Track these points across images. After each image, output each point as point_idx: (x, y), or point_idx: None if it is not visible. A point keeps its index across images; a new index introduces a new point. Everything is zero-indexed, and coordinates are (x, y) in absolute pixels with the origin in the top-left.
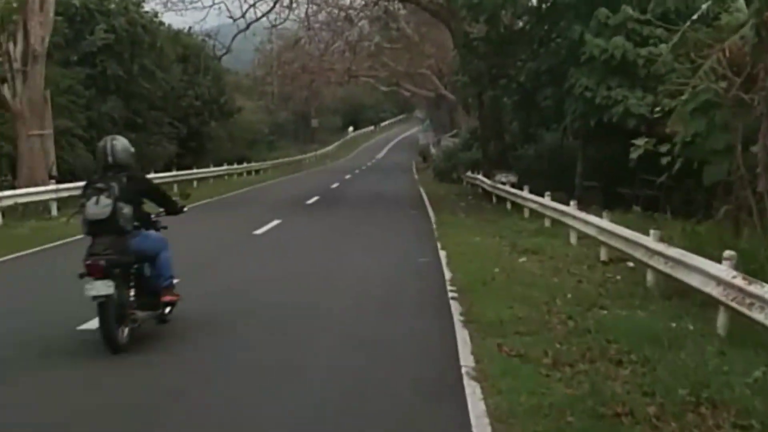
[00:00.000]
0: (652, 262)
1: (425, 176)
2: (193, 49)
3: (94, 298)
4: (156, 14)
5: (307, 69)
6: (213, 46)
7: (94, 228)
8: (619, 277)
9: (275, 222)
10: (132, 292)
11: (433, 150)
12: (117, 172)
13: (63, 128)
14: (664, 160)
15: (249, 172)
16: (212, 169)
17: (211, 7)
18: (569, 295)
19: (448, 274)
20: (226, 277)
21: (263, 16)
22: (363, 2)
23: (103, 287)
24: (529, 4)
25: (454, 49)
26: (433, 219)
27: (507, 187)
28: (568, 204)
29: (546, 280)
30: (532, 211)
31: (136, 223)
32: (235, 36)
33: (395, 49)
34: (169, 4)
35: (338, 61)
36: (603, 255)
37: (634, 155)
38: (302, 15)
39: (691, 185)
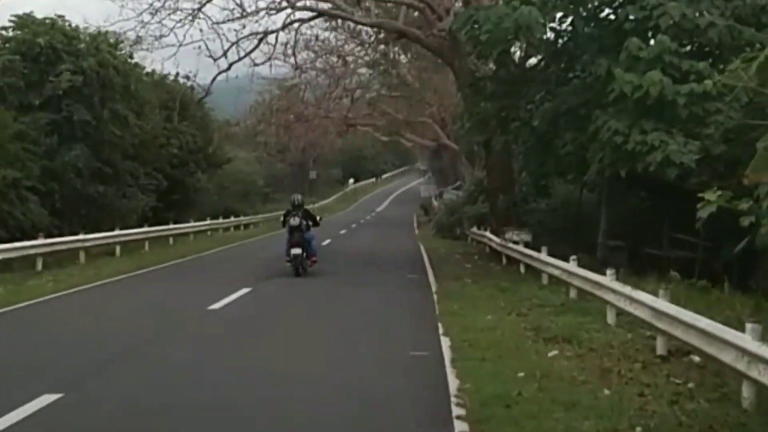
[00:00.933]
0: (752, 372)
1: (426, 231)
2: (178, 95)
3: (295, 256)
4: (130, 55)
5: (302, 117)
6: (192, 88)
7: (291, 230)
8: (692, 385)
9: (242, 291)
10: (305, 255)
11: (435, 203)
12: (299, 208)
13: (11, 180)
14: (746, 221)
15: (237, 227)
16: (192, 224)
17: (181, 45)
18: (638, 430)
19: (453, 384)
20: (122, 393)
21: (246, 55)
22: (361, 49)
23: (298, 251)
24: (545, 37)
25: (459, 91)
26: (434, 287)
27: (520, 247)
28: (597, 270)
29: (594, 394)
30: (551, 277)
31: (306, 225)
32: (216, 77)
33: (395, 96)
34: (139, 42)
35: (335, 109)
36: (660, 347)
37: (703, 213)
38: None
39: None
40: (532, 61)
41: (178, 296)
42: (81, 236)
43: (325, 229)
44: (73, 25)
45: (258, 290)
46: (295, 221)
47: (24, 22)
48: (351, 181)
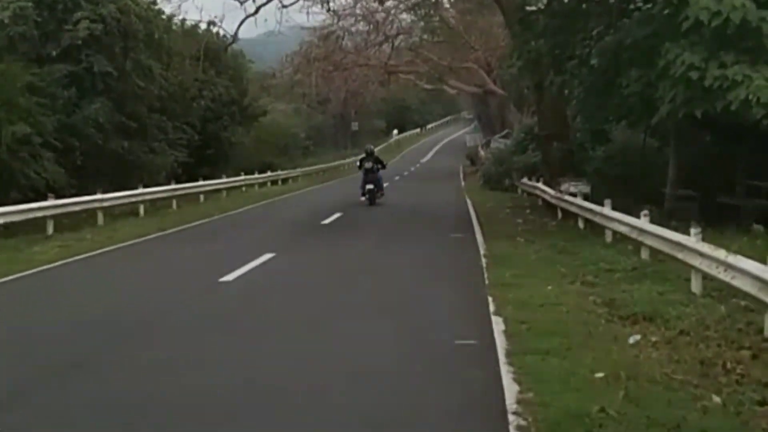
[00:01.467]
0: None
1: (473, 182)
2: (211, 46)
3: (369, 190)
4: (153, 1)
5: (341, 66)
6: (217, 34)
7: (366, 171)
8: None
9: (264, 257)
10: (375, 189)
11: (481, 152)
12: (371, 155)
13: (21, 135)
14: None
15: (275, 182)
16: (224, 180)
17: None
18: None
19: (510, 392)
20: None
21: None
22: None
23: (371, 186)
24: None
25: (506, 28)
26: (482, 249)
27: (578, 200)
28: (665, 224)
29: (701, 405)
30: (615, 233)
31: (377, 168)
32: (242, 22)
33: (438, 42)
34: None
35: (375, 56)
36: None
37: None
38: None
39: None
40: None
41: (190, 265)
42: (98, 195)
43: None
44: None
45: (283, 255)
46: (368, 165)
47: None
48: (395, 132)
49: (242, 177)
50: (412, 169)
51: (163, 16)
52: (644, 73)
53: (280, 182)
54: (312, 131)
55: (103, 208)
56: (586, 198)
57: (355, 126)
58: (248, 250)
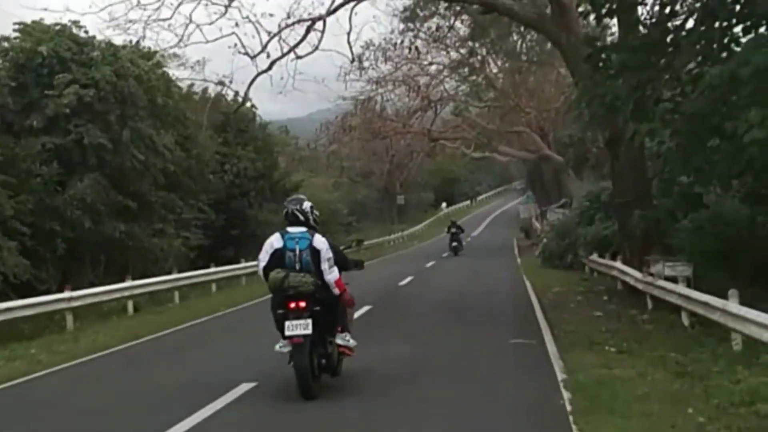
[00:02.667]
0: None
1: (529, 258)
2: (235, 115)
3: (455, 247)
4: (157, 62)
5: (380, 134)
6: (227, 94)
7: (453, 234)
8: None
9: (240, 390)
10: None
11: (536, 224)
12: (455, 224)
13: None
14: None
15: None
16: (242, 265)
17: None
18: None
19: None
20: None
21: (291, 50)
22: (444, 52)
23: (455, 244)
24: None
25: (560, 87)
26: (558, 370)
27: (680, 287)
28: None
29: None
30: (747, 339)
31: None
32: (255, 78)
33: (485, 106)
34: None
35: (417, 123)
36: None
37: None
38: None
39: None
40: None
41: (117, 413)
42: (65, 294)
43: (411, 261)
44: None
45: (264, 387)
46: (454, 230)
47: (29, 29)
48: (444, 204)
49: None
50: (463, 243)
51: (179, 84)
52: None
53: None
54: (355, 206)
55: (71, 309)
56: (688, 283)
57: (400, 200)
58: (227, 373)
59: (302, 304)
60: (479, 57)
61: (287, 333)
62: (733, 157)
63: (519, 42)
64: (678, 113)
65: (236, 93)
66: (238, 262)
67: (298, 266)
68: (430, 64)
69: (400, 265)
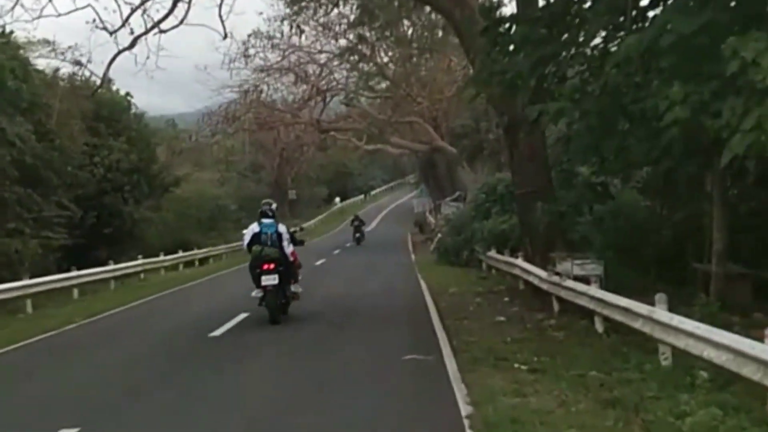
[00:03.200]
0: None
1: (424, 254)
2: (107, 105)
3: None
4: (7, 41)
5: (266, 124)
6: (81, 75)
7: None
8: None
9: None
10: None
11: (430, 219)
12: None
13: None
14: None
15: (190, 263)
16: (111, 267)
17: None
18: None
19: None
20: None
21: (155, 25)
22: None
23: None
24: None
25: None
26: (461, 400)
27: (592, 289)
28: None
29: None
30: (676, 351)
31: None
32: (115, 57)
33: (375, 96)
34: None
35: (306, 113)
36: None
37: None
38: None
39: None
40: None
41: None
42: None
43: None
44: None
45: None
46: (357, 222)
47: None
48: (337, 199)
49: (139, 261)
50: (365, 234)
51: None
52: (697, 90)
53: (197, 263)
54: (244, 201)
55: None
56: (600, 283)
57: (292, 194)
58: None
59: (272, 266)
60: (369, 44)
61: (263, 283)
62: (650, 141)
63: (410, 30)
64: (586, 93)
65: (77, 65)
66: (116, 263)
67: (269, 243)
68: (320, 52)
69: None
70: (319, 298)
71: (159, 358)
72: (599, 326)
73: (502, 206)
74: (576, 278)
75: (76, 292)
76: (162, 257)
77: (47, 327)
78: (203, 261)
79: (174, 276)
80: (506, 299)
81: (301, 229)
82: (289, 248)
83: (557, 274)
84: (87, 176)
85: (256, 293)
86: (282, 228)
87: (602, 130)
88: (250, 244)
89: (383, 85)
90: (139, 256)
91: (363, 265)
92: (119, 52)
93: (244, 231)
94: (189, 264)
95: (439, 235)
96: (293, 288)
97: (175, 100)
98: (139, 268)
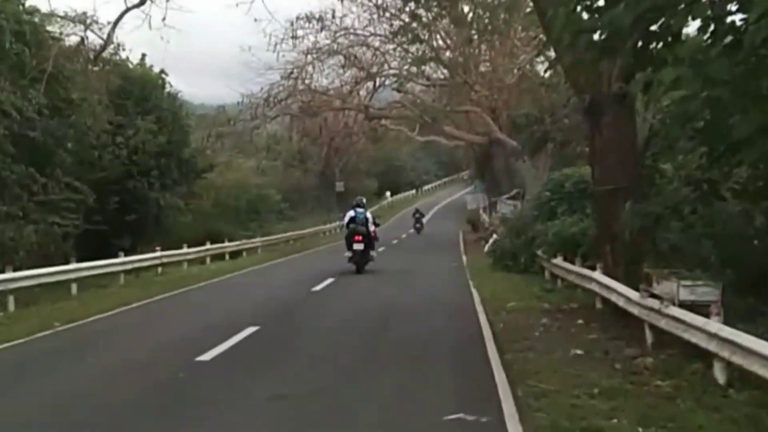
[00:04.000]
0: None
1: (477, 256)
2: (137, 82)
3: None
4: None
5: (309, 109)
6: (83, 40)
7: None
8: None
9: None
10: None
11: (485, 217)
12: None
13: None
14: None
15: (219, 256)
16: (121, 260)
17: None
18: None
19: None
20: None
21: None
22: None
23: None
24: None
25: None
26: None
27: (713, 324)
28: None
29: None
30: None
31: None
32: (123, 14)
33: (429, 84)
34: None
35: (354, 99)
36: None
37: None
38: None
39: None
40: None
41: None
42: None
43: (338, 256)
44: None
45: None
46: (418, 215)
47: None
48: (388, 194)
49: (157, 254)
50: (403, 236)
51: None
52: None
53: (227, 256)
54: (290, 192)
55: None
56: (718, 314)
57: (340, 187)
58: None
59: (360, 238)
60: (424, 24)
61: (354, 248)
62: None
63: (469, 14)
64: (714, 49)
65: (84, 25)
66: (135, 253)
67: (360, 224)
68: (373, 35)
69: (329, 259)
70: (347, 313)
71: (105, 408)
72: (719, 375)
73: (569, 206)
74: (683, 305)
75: (74, 287)
76: (185, 249)
77: (17, 332)
78: (235, 254)
79: (196, 272)
80: (580, 321)
81: (378, 218)
82: (371, 227)
83: (654, 296)
84: (110, 158)
85: (347, 255)
86: (368, 214)
87: (738, 104)
88: (348, 223)
89: (438, 71)
90: (157, 248)
91: (408, 269)
92: (127, 9)
93: (345, 214)
94: (218, 257)
95: (495, 236)
96: (372, 253)
97: (235, 90)
98: (156, 261)
